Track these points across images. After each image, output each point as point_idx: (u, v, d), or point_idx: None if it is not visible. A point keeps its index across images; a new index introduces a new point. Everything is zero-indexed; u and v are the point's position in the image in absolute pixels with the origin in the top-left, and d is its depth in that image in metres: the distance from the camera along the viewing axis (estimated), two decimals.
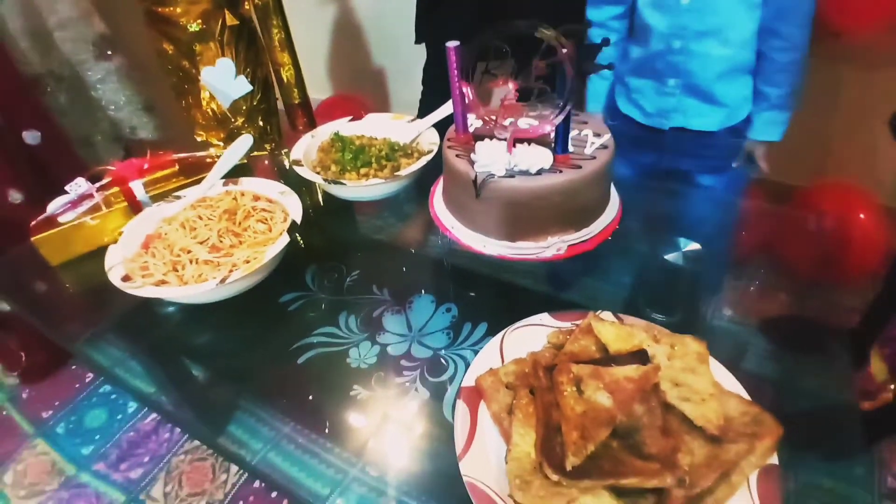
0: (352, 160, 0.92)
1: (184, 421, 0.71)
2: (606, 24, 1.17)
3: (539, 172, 0.68)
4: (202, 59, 1.12)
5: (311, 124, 1.28)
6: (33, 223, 0.89)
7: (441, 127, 0.97)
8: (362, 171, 0.90)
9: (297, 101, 1.26)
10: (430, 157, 0.91)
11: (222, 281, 0.71)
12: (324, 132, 1.03)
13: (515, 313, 0.67)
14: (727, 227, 0.96)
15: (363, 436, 0.63)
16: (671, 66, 1.11)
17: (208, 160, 1.02)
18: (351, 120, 1.05)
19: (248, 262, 0.76)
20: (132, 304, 0.72)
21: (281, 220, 0.84)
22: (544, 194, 0.68)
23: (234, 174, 0.96)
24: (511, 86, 0.69)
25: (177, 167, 1.00)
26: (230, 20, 1.11)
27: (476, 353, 0.64)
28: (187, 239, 0.79)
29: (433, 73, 1.58)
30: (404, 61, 2.14)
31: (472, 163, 0.71)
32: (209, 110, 1.18)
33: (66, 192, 0.91)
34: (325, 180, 0.89)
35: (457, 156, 0.74)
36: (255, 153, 1.15)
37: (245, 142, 0.97)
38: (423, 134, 0.99)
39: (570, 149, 0.71)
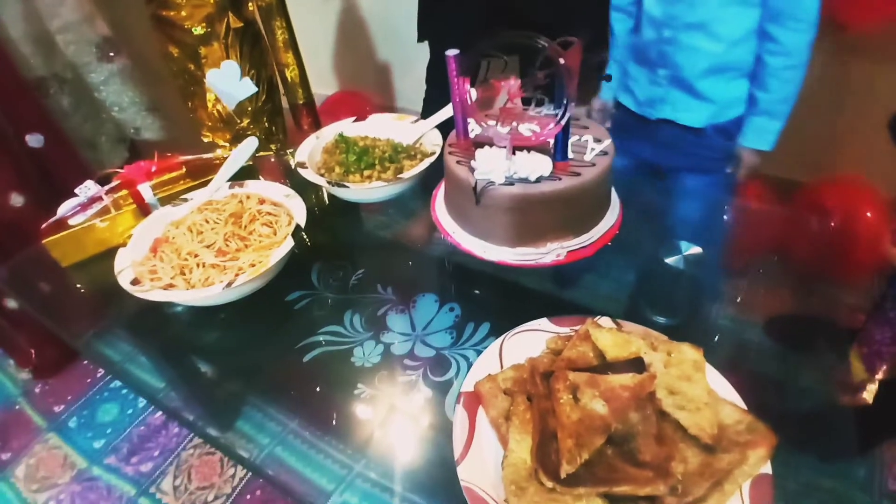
0: (355, 162, 0.93)
1: (189, 420, 0.72)
2: (625, 10, 1.17)
3: (538, 180, 0.69)
4: (207, 61, 1.13)
5: (316, 123, 1.29)
6: (44, 226, 0.91)
7: (444, 128, 0.97)
8: (366, 173, 0.91)
9: (301, 101, 1.27)
10: (432, 159, 0.92)
11: (228, 285, 0.73)
12: (328, 133, 1.04)
13: (518, 313, 0.67)
14: (727, 228, 0.96)
15: (366, 434, 0.64)
16: (662, 56, 1.10)
17: (215, 161, 1.03)
18: (355, 120, 1.06)
19: (253, 265, 0.77)
20: (141, 304, 0.73)
21: (286, 223, 0.85)
22: (543, 202, 0.69)
23: (241, 175, 0.97)
24: (514, 82, 0.68)
25: (184, 169, 1.01)
26: (234, 22, 1.12)
27: (479, 352, 0.65)
28: (194, 243, 0.81)
29: (436, 73, 1.58)
30: (409, 56, 2.14)
31: (472, 169, 0.72)
32: (215, 112, 1.19)
33: (74, 195, 0.93)
34: (329, 183, 0.90)
35: (457, 162, 0.74)
36: (261, 153, 1.16)
37: (250, 144, 0.99)
38: (426, 135, 1.00)
39: (570, 155, 0.71)
